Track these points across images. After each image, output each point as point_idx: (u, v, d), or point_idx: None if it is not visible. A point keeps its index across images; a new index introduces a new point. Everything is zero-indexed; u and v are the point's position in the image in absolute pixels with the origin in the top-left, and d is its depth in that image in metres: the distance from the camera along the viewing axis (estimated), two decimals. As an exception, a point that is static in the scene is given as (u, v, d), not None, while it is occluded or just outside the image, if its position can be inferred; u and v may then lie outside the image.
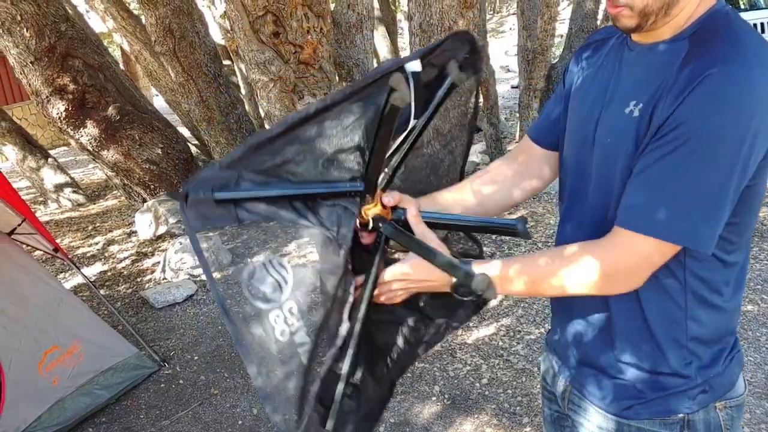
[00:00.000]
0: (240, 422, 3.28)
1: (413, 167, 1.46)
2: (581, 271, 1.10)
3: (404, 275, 1.20)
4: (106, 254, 6.20)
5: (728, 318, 1.20)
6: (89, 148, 6.35)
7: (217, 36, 10.47)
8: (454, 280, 1.13)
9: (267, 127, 9.43)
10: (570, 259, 1.11)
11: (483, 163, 7.13)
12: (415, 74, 1.15)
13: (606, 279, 1.09)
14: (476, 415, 3.06)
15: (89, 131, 6.22)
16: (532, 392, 3.17)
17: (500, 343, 3.64)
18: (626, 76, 1.16)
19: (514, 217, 1.26)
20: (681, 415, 1.19)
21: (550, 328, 1.46)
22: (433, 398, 3.25)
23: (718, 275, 1.15)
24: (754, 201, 1.10)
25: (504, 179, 1.44)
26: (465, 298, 1.14)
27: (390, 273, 1.21)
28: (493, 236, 5.02)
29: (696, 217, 1.02)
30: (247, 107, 8.44)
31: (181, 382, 3.71)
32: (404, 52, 13.42)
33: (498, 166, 1.48)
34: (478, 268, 1.13)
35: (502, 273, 1.14)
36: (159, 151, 6.53)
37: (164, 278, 5.13)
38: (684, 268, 1.13)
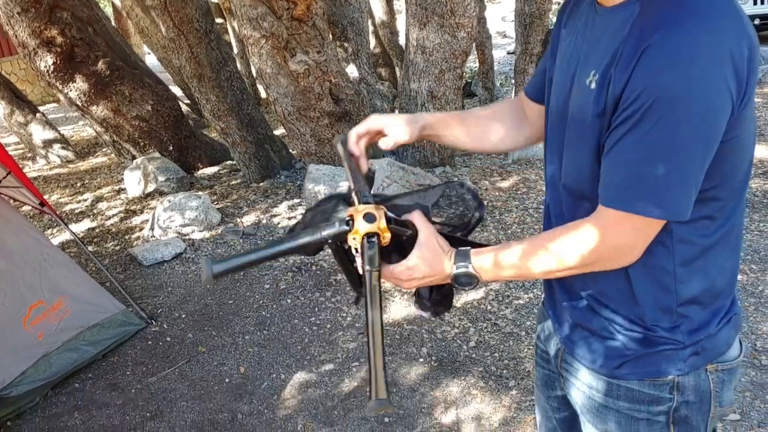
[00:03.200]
0: (227, 380, 3.27)
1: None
2: (574, 253, 1.10)
3: (409, 271, 1.20)
4: (95, 211, 6.15)
5: (721, 280, 1.17)
6: (78, 103, 6.25)
7: (209, -8, 10.26)
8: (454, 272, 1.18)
9: (258, 86, 9.28)
10: (562, 244, 1.11)
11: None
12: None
13: (601, 260, 1.09)
14: (463, 378, 3.06)
15: (78, 86, 6.11)
16: (519, 356, 3.17)
17: (489, 307, 3.63)
18: (589, 43, 1.13)
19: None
20: (671, 377, 1.18)
21: (543, 290, 1.44)
22: (421, 360, 3.25)
23: (707, 236, 1.12)
24: (736, 156, 1.06)
25: (505, 118, 1.48)
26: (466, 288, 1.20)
27: (396, 270, 1.21)
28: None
29: (672, 188, 1.00)
30: (239, 65, 8.32)
31: (168, 339, 3.69)
32: (400, 15, 13.21)
33: (501, 106, 1.50)
34: (474, 259, 1.17)
35: (495, 261, 1.16)
36: (149, 108, 6.43)
37: (153, 236, 5.09)
38: (670, 233, 1.10)
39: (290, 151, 6.38)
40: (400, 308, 3.74)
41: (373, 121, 1.39)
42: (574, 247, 1.09)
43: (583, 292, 1.24)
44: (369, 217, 1.14)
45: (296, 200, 5.36)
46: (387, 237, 1.14)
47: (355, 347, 3.42)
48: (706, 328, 1.17)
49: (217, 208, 5.34)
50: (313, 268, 4.30)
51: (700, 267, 1.14)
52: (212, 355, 3.50)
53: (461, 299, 3.75)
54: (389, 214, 1.17)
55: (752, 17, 10.32)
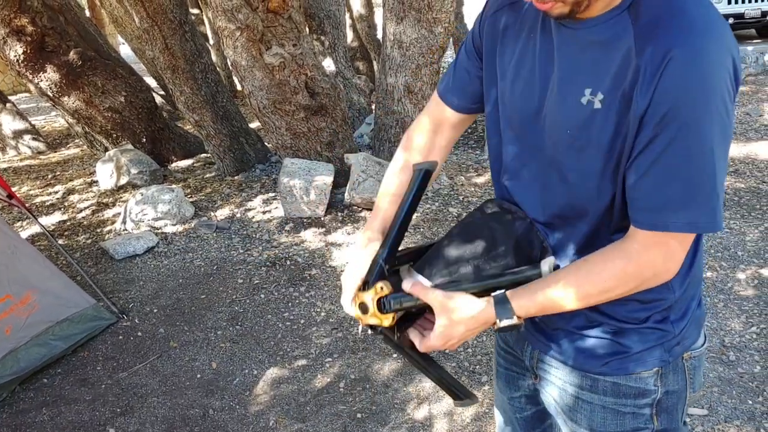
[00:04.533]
0: (199, 376, 3.25)
1: None
2: (621, 283, 1.09)
3: (445, 335, 1.17)
4: (66, 204, 6.05)
5: (701, 269, 1.23)
6: (49, 93, 6.14)
7: (185, -17, 10.14)
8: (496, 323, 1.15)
9: (234, 79, 9.16)
10: (607, 275, 1.09)
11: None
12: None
13: (646, 282, 1.09)
14: (436, 373, 3.06)
15: (49, 76, 6.00)
16: (491, 351, 3.18)
17: (463, 303, 3.64)
18: (567, 58, 1.10)
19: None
20: (656, 368, 1.21)
21: None
22: (394, 355, 3.24)
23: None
24: None
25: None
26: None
27: (431, 343, 1.19)
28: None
29: (713, 199, 1.01)
30: (214, 57, 8.24)
31: (139, 334, 3.65)
32: (378, 9, 13.18)
33: (408, 156, 1.40)
34: (512, 303, 1.13)
35: (540, 305, 1.13)
36: (122, 99, 6.34)
37: (125, 229, 5.03)
38: None
39: (266, 144, 6.33)
40: (374, 303, 3.73)
41: (352, 281, 1.27)
42: (620, 278, 1.08)
43: None
44: (362, 307, 1.19)
45: (271, 194, 5.32)
46: (387, 320, 1.17)
47: (329, 343, 3.41)
48: (684, 318, 1.21)
49: (191, 202, 5.29)
50: (287, 263, 4.28)
51: (689, 261, 1.17)
52: (184, 350, 3.47)
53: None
54: (387, 295, 1.17)
55: (726, 17, 10.45)
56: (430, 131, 1.39)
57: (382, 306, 1.17)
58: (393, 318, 1.17)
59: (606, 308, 1.19)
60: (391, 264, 1.22)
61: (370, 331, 1.21)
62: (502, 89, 1.22)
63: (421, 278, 1.21)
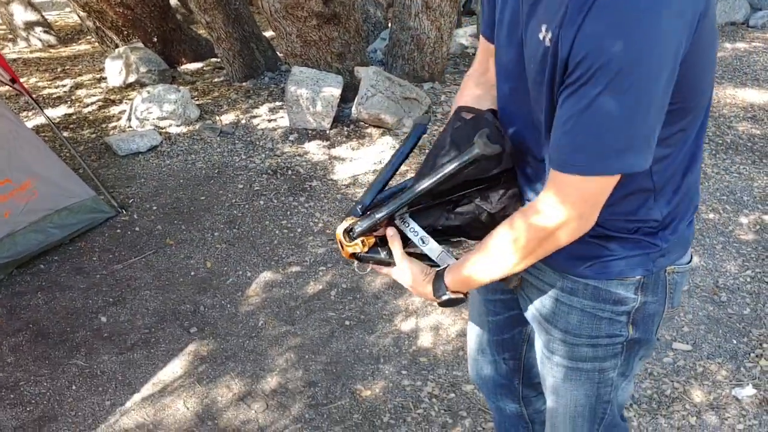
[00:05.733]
0: (192, 273, 3.28)
1: None
2: (535, 236, 1.10)
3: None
4: (73, 97, 6.00)
5: (694, 188, 1.21)
6: (60, -18, 5.99)
7: None
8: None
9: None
10: (525, 228, 1.11)
11: (472, 46, 6.91)
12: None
13: (565, 228, 1.08)
14: (427, 289, 3.08)
15: (60, -36, 5.84)
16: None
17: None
18: None
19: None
20: (638, 277, 1.20)
21: None
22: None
23: (682, 150, 1.13)
24: (693, 81, 1.03)
25: (479, 100, 1.36)
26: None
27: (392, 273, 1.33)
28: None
29: (632, 143, 0.97)
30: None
31: (137, 229, 3.67)
32: None
33: (469, 88, 1.40)
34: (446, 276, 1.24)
35: (463, 276, 1.22)
36: (134, -5, 6.18)
37: (129, 127, 4.99)
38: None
39: (276, 52, 6.21)
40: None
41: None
42: (536, 231, 1.09)
43: None
44: (339, 242, 1.33)
45: (278, 103, 5.25)
46: (357, 246, 1.29)
47: (324, 252, 3.42)
48: (677, 233, 1.20)
49: (197, 104, 5.23)
50: (289, 172, 4.26)
51: (678, 180, 1.16)
52: (180, 248, 3.49)
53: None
54: (356, 226, 1.29)
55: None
56: (482, 70, 1.39)
57: (350, 235, 1.30)
58: (364, 242, 1.29)
59: (600, 220, 1.17)
60: (369, 208, 1.33)
61: (356, 263, 1.36)
62: (501, 12, 1.18)
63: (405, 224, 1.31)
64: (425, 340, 2.80)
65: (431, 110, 4.97)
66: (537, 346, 1.43)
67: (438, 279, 1.25)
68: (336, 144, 4.59)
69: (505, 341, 1.60)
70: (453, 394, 2.53)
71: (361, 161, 4.37)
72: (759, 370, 2.66)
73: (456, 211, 1.26)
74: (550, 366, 1.37)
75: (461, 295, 1.25)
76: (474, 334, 1.67)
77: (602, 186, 1.03)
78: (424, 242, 1.27)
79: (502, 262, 1.16)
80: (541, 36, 1.01)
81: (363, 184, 4.10)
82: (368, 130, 4.73)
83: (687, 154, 1.14)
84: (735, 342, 2.78)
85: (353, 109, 4.76)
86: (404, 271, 1.27)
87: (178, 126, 4.90)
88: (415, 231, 1.27)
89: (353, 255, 1.32)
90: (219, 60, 6.17)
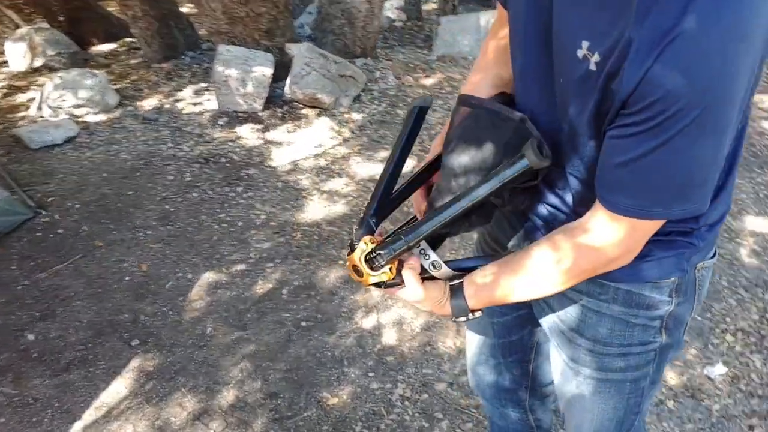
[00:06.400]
0: (128, 278, 3.00)
1: None
2: (578, 267, 1.00)
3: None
4: (-28, 85, 5.48)
5: (729, 193, 1.11)
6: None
7: None
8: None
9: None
10: (562, 256, 1.00)
11: (399, 19, 6.72)
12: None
13: (601, 267, 1.01)
14: (384, 282, 2.92)
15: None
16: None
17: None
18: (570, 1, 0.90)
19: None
20: (673, 279, 1.11)
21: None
22: (341, 262, 3.08)
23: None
24: (748, 101, 0.92)
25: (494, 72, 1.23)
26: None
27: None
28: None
29: (696, 190, 0.89)
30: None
31: (60, 231, 3.34)
32: None
33: (485, 58, 1.26)
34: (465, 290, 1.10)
35: (495, 298, 1.09)
36: (34, -30, 5.67)
37: (41, 116, 4.56)
38: None
39: (196, 30, 5.84)
40: (319, 208, 3.52)
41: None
42: (580, 262, 1.00)
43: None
44: (358, 270, 1.11)
45: (203, 85, 4.92)
46: (384, 275, 1.10)
47: (270, 247, 3.20)
48: (713, 231, 1.12)
49: (115, 89, 4.83)
50: (222, 160, 3.98)
51: (719, 189, 1.05)
52: (111, 250, 3.20)
53: (382, 199, 3.57)
54: (375, 249, 1.08)
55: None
56: (499, 37, 1.24)
57: (373, 264, 1.08)
58: (391, 269, 1.09)
59: None
60: (382, 216, 1.15)
61: (382, 289, 1.13)
62: None
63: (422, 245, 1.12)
64: (389, 337, 2.64)
65: (367, 87, 4.77)
66: (555, 359, 1.31)
67: (457, 298, 1.10)
68: (270, 127, 4.34)
69: (513, 344, 1.49)
70: (426, 395, 2.40)
71: (299, 145, 4.14)
72: (726, 347, 2.64)
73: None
74: (575, 380, 1.26)
75: (480, 312, 1.12)
76: (475, 339, 1.55)
77: (660, 223, 0.95)
78: (435, 267, 1.10)
79: (543, 285, 1.03)
80: (580, 54, 0.86)
81: (304, 169, 3.88)
82: (304, 111, 4.49)
83: (728, 161, 1.03)
84: (699, 318, 2.76)
85: (287, 88, 4.51)
86: (422, 295, 1.10)
87: (96, 114, 4.51)
88: (426, 255, 1.10)
89: (376, 284, 1.11)
90: (135, 40, 5.75)
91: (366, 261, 1.08)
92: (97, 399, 2.39)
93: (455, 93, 4.88)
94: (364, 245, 1.08)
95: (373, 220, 1.12)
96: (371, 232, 1.11)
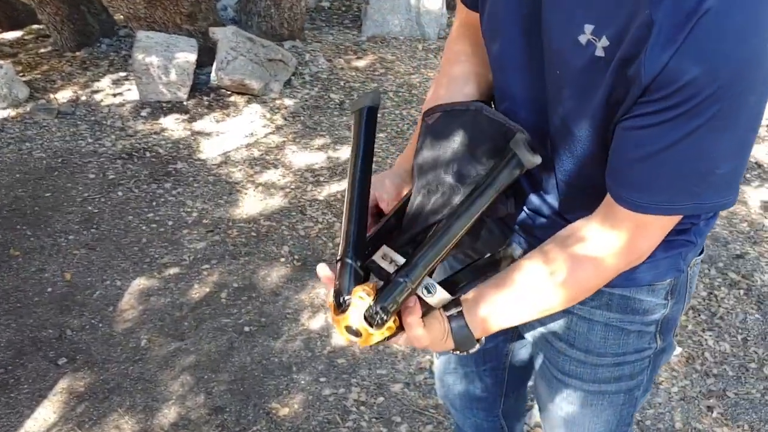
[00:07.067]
0: (50, 290, 2.76)
1: None
2: (599, 277, 0.92)
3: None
4: None
5: None
6: None
7: None
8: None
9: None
10: (580, 270, 0.91)
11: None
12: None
13: (627, 264, 0.91)
14: (330, 278, 2.79)
15: None
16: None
17: (352, 199, 3.34)
18: None
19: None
20: (669, 280, 1.04)
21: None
22: (282, 260, 2.92)
23: None
24: None
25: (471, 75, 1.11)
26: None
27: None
28: (341, 80, 4.61)
29: (731, 182, 0.80)
30: None
31: (-31, 241, 3.05)
32: None
33: (457, 62, 1.13)
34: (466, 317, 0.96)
35: (499, 326, 0.97)
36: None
37: (-59, 114, 4.19)
38: None
39: (111, 15, 5.49)
40: (255, 202, 3.34)
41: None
42: (596, 265, 0.90)
43: (579, 212, 0.95)
44: (352, 331, 0.92)
45: (122, 73, 4.62)
46: (387, 332, 0.92)
47: (204, 247, 3.01)
48: (711, 222, 1.06)
49: (24, 81, 4.48)
50: (147, 154, 3.74)
51: None
52: (29, 259, 2.93)
53: (324, 191, 3.42)
54: (373, 305, 0.89)
55: None
56: (463, 36, 1.13)
57: (373, 320, 0.88)
58: (395, 320, 0.91)
59: None
60: (364, 256, 0.95)
61: (383, 343, 0.98)
62: None
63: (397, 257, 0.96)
64: (339, 337, 2.51)
65: (298, 71, 4.58)
66: (541, 371, 1.22)
67: (460, 329, 0.96)
68: (197, 117, 4.10)
69: (487, 352, 1.38)
70: (382, 398, 2.28)
71: (229, 135, 3.93)
72: (678, 326, 2.62)
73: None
74: (563, 392, 1.17)
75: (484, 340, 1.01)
76: None
77: (677, 220, 0.88)
78: (429, 291, 0.94)
79: (555, 303, 0.93)
80: (583, 39, 0.76)
81: (236, 161, 3.68)
82: (232, 98, 4.26)
83: None
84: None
85: (212, 75, 4.27)
86: (427, 340, 0.95)
87: (4, 109, 4.16)
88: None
89: (381, 341, 0.94)
90: (43, 27, 5.36)
91: (368, 319, 0.89)
92: (21, 428, 2.17)
93: (388, 75, 4.75)
94: (360, 300, 0.89)
95: (357, 263, 0.93)
96: (360, 280, 0.92)
